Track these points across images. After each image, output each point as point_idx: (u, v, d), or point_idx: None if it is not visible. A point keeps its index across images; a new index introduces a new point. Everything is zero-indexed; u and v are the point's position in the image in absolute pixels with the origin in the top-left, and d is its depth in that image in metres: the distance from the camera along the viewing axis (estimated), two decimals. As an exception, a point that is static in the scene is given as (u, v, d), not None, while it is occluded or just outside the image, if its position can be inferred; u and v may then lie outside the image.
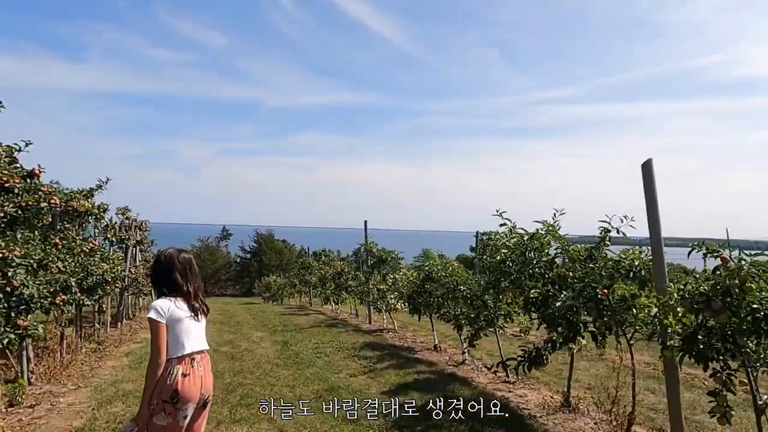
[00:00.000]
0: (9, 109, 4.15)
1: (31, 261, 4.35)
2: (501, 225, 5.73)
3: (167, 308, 2.75)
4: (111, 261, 7.98)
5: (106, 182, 8.13)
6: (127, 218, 11.15)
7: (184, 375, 2.69)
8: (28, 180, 4.34)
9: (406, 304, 8.53)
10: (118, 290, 9.76)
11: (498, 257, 5.38)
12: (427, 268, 8.33)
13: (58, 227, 7.05)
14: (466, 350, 7.54)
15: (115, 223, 8.76)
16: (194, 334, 2.83)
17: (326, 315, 14.39)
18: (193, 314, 2.84)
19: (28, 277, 4.30)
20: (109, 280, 7.20)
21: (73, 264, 6.18)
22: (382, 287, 10.77)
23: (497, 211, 5.69)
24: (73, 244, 6.46)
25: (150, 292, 14.73)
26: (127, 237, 9.16)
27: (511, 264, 5.23)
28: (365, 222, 12.50)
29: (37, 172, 4.46)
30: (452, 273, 7.70)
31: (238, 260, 57.54)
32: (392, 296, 10.50)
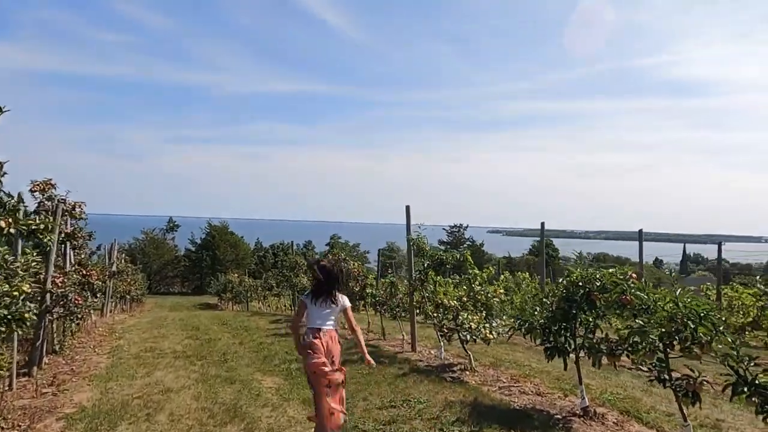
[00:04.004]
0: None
1: None
2: None
3: None
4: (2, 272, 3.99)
5: (-2, 117, 4.10)
6: (49, 198, 7.02)
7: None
8: None
9: (534, 337, 5.12)
10: (35, 315, 5.66)
11: None
12: (580, 281, 4.90)
13: None
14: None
15: (19, 203, 4.70)
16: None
17: (342, 336, 10.61)
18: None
19: None
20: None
21: None
22: (452, 303, 7.24)
23: None
24: None
25: (91, 312, 10.44)
26: (40, 226, 5.10)
27: None
28: (407, 207, 8.87)
29: None
30: (657, 295, 4.32)
31: (188, 254, 51.85)
32: (472, 318, 7.00)
